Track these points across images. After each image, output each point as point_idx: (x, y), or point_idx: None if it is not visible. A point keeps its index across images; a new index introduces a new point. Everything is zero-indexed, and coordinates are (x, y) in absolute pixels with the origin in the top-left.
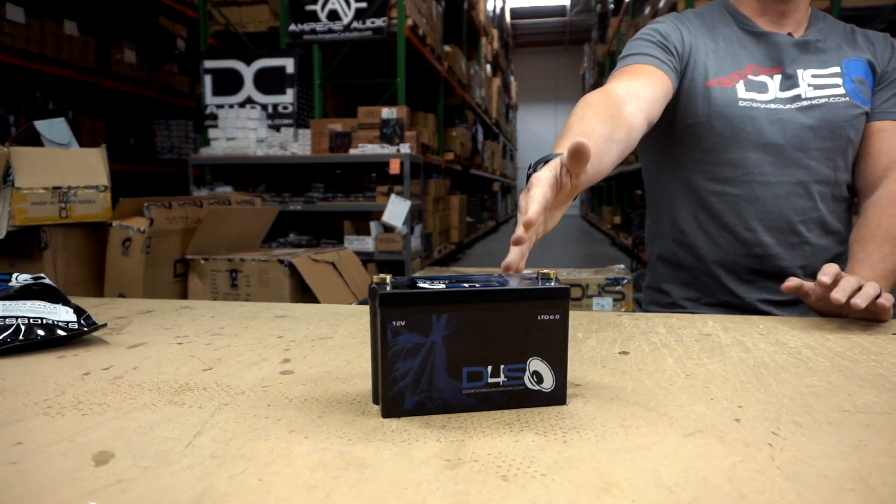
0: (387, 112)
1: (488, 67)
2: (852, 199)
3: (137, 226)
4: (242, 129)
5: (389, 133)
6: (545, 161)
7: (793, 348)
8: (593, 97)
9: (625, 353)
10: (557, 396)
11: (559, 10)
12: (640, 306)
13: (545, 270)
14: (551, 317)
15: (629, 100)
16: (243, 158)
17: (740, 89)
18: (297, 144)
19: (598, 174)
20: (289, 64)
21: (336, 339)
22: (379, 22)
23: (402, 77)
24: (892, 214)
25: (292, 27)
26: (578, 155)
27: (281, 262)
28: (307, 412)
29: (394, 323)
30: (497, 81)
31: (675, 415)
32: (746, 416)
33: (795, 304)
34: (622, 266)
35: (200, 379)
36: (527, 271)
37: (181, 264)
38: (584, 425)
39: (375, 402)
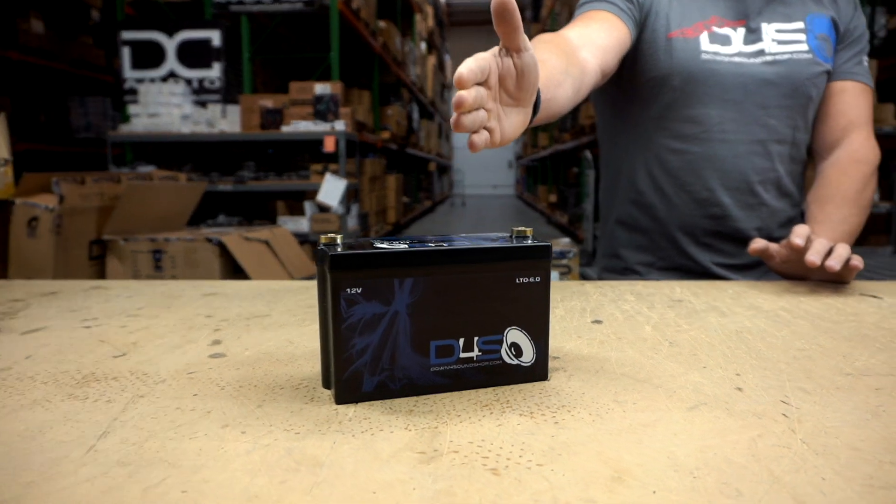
0: (320, 88)
1: (423, 45)
2: (808, 162)
3: (45, 203)
4: (166, 105)
5: (323, 109)
6: None
7: (769, 311)
8: (544, 35)
9: (598, 321)
10: (538, 371)
11: None
12: (586, 280)
13: (520, 228)
14: (531, 279)
15: (582, 45)
16: (167, 136)
17: (704, 41)
18: (226, 121)
19: (554, 104)
20: (215, 36)
21: (274, 317)
22: None
23: (335, 52)
24: (852, 175)
25: None
26: (502, 13)
27: (210, 240)
28: (244, 402)
29: (348, 290)
30: (432, 60)
31: (671, 386)
32: (747, 384)
33: (751, 268)
34: (568, 240)
35: (111, 367)
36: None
37: (98, 246)
38: (574, 403)
39: (326, 386)
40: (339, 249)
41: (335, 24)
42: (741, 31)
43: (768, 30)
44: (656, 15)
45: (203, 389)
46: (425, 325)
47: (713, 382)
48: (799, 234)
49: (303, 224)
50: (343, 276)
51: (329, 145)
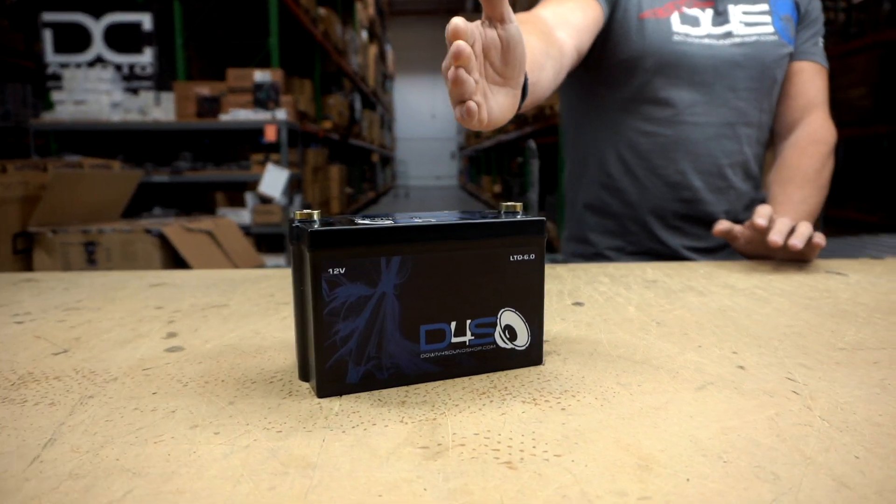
0: (260, 75)
1: (364, 34)
2: (768, 144)
3: None
4: (93, 92)
5: (263, 98)
6: None
7: (745, 290)
8: (518, 15)
9: (579, 304)
10: (533, 355)
11: None
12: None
13: (509, 203)
14: (525, 257)
15: (557, 25)
16: (95, 124)
17: (675, 21)
18: (160, 109)
19: (538, 89)
20: (145, 20)
21: (233, 307)
22: None
23: (275, 38)
24: (811, 155)
25: None
26: None
27: (149, 231)
28: (212, 399)
29: (331, 271)
30: (374, 49)
31: (671, 367)
32: (748, 362)
33: (718, 251)
34: None
35: (51, 365)
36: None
37: (23, 239)
38: (577, 387)
39: (304, 378)
40: (316, 226)
41: (274, 10)
42: (709, 11)
43: (735, 11)
44: None
45: (163, 387)
46: (415, 308)
47: (713, 362)
48: (762, 214)
49: (244, 216)
50: (324, 254)
51: (270, 134)
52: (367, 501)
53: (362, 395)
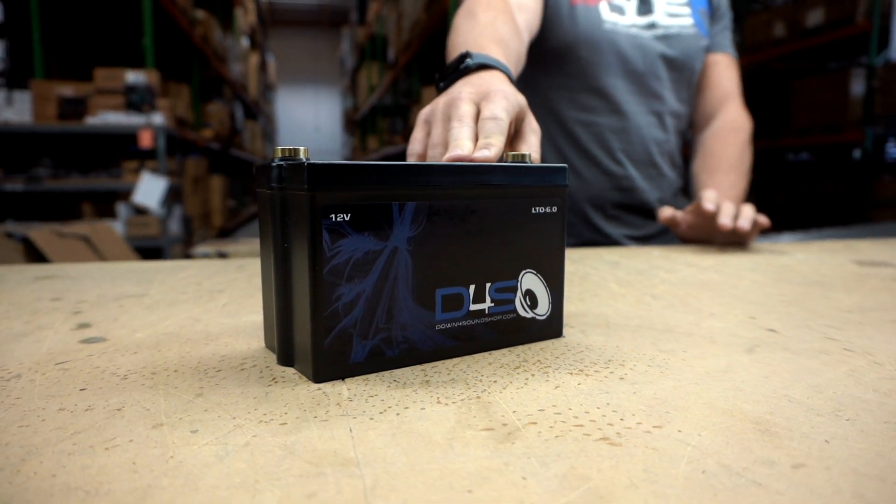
0: (133, 76)
1: (245, 41)
2: (687, 133)
3: None
4: None
5: (137, 100)
6: (464, 68)
7: (709, 267)
8: (477, 3)
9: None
10: (554, 326)
11: None
12: None
13: (515, 153)
14: (548, 209)
15: (516, 10)
16: None
17: (604, 9)
18: (13, 110)
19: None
20: None
21: (155, 297)
22: None
23: (149, 37)
24: (734, 143)
25: None
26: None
27: (10, 236)
28: (171, 392)
29: (333, 217)
30: (255, 58)
31: (702, 333)
32: (775, 326)
33: (656, 237)
34: None
35: None
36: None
37: None
38: (620, 357)
39: (287, 362)
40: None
41: (148, 8)
42: (634, 1)
43: (658, 2)
44: None
45: (93, 381)
46: (430, 268)
47: (740, 327)
48: (709, 199)
49: (117, 228)
50: (327, 196)
51: (146, 140)
52: (456, 500)
53: (370, 377)
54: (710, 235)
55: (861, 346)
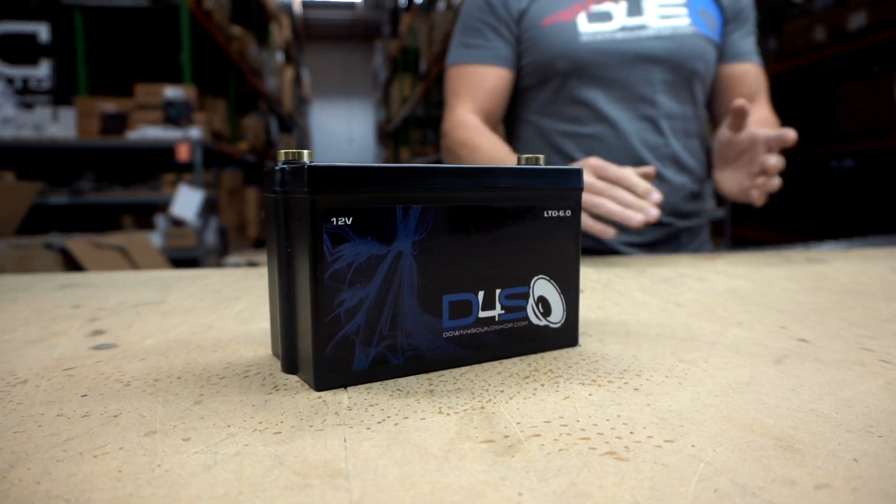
0: (171, 91)
1: (280, 56)
2: (705, 136)
3: None
4: None
5: (175, 115)
6: None
7: (740, 275)
8: (467, 134)
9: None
10: (569, 335)
11: (349, 4)
12: None
13: (529, 155)
14: (562, 213)
15: (484, 122)
16: None
17: (581, 22)
18: (58, 126)
19: None
20: (42, 30)
21: (173, 303)
22: None
23: (187, 53)
24: (763, 124)
25: None
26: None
27: (49, 247)
28: (170, 398)
29: (334, 221)
30: (289, 72)
31: (726, 343)
32: (806, 335)
33: (657, 245)
34: None
35: None
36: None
37: None
38: (637, 367)
39: (290, 370)
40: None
41: (186, 24)
42: (623, 4)
43: (650, 3)
44: (529, 7)
45: (95, 388)
46: (436, 274)
47: (768, 336)
48: (738, 102)
49: (155, 239)
50: (327, 199)
51: (183, 153)
52: None
53: (373, 385)
54: (739, 158)
55: None
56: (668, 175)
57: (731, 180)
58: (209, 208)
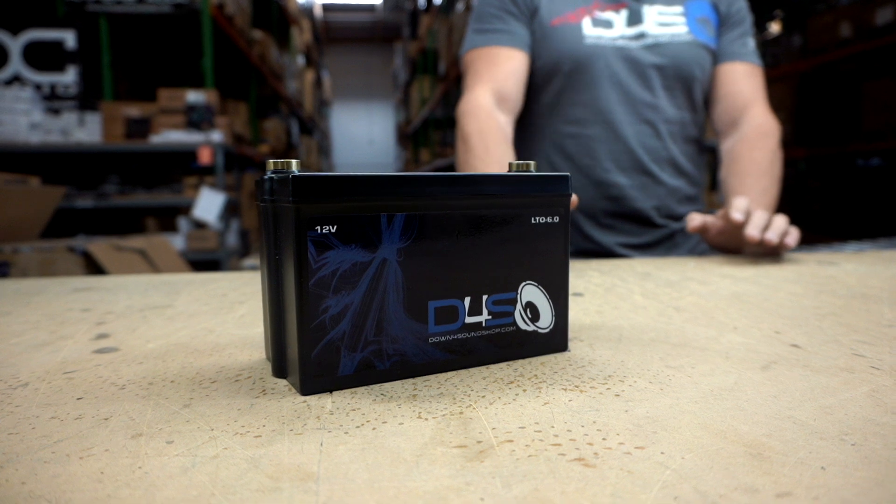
0: (193, 96)
1: (301, 59)
2: (702, 140)
3: None
4: (10, 113)
5: (197, 119)
6: None
7: (746, 279)
8: (480, 125)
9: (578, 294)
10: (558, 340)
11: (369, 7)
12: None
13: (520, 161)
14: (549, 219)
15: (500, 107)
16: (12, 146)
17: (586, 25)
18: (84, 131)
19: None
20: (68, 37)
21: (179, 308)
22: None
23: (208, 58)
24: (762, 148)
25: None
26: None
27: (72, 250)
28: (160, 402)
29: (319, 229)
30: (310, 75)
31: (717, 348)
32: (799, 341)
33: (652, 247)
34: None
35: None
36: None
37: None
38: (622, 372)
39: (280, 374)
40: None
41: (207, 29)
42: (623, 13)
43: (650, 12)
44: (539, 5)
45: (92, 391)
46: (422, 280)
47: (761, 342)
48: (738, 207)
49: (178, 242)
50: (311, 207)
51: (205, 157)
52: None
53: (358, 390)
54: (740, 245)
55: (891, 364)
56: (664, 178)
57: (732, 244)
58: (230, 210)
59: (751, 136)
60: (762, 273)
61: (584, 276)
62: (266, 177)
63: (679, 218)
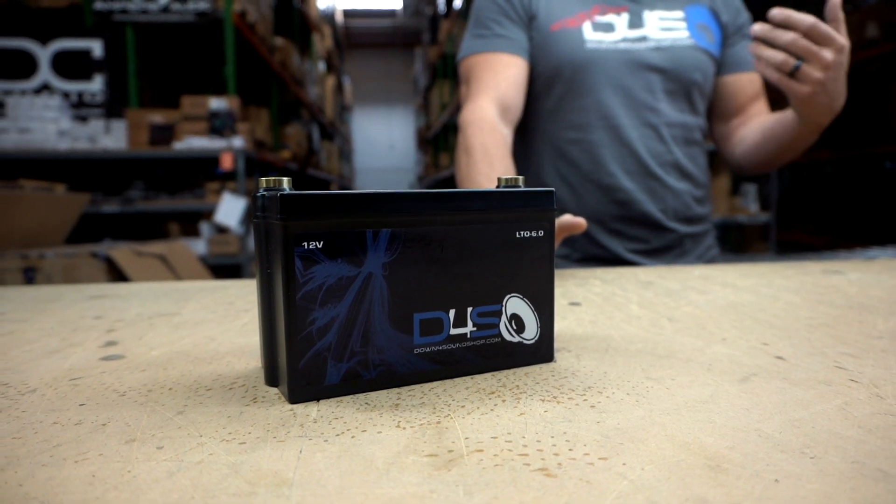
0: (216, 102)
1: (322, 65)
2: (703, 143)
3: None
4: (39, 120)
5: (219, 125)
6: None
7: (747, 288)
8: (484, 138)
9: (575, 304)
10: (543, 351)
11: (390, 12)
12: None
13: (509, 177)
14: (534, 233)
15: (503, 117)
16: (41, 153)
17: (587, 30)
18: (110, 138)
19: None
20: (95, 46)
21: (186, 315)
22: (203, 5)
23: (231, 65)
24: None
25: (99, 5)
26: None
27: (95, 255)
28: (156, 409)
29: (305, 245)
30: (331, 81)
31: (701, 360)
32: (785, 353)
33: (662, 252)
34: None
35: None
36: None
37: None
38: (602, 383)
39: (272, 382)
40: (287, 191)
41: (230, 37)
42: (625, 16)
43: (651, 17)
44: (538, 11)
45: (94, 397)
46: (408, 293)
47: (746, 354)
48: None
49: (200, 246)
50: (298, 225)
51: (226, 162)
52: None
53: (344, 398)
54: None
55: (871, 377)
56: (670, 182)
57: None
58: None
59: (763, 117)
60: (765, 282)
61: (586, 285)
62: (258, 194)
63: (687, 221)
